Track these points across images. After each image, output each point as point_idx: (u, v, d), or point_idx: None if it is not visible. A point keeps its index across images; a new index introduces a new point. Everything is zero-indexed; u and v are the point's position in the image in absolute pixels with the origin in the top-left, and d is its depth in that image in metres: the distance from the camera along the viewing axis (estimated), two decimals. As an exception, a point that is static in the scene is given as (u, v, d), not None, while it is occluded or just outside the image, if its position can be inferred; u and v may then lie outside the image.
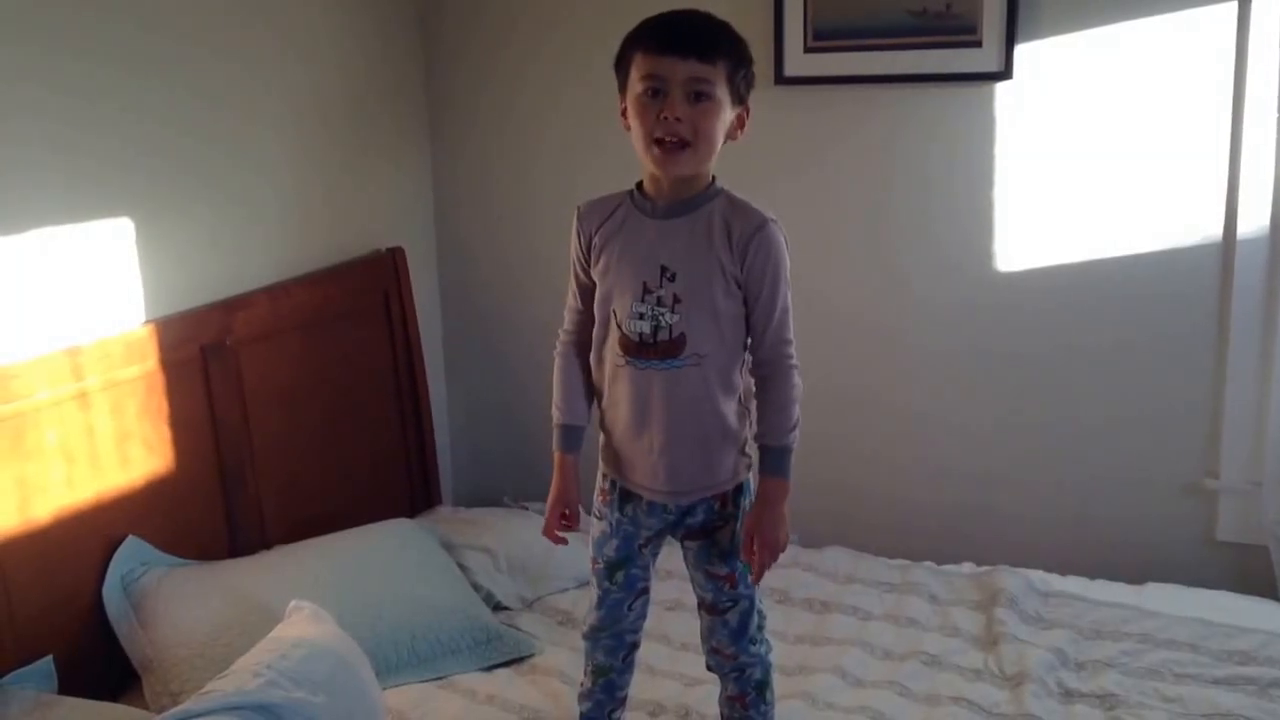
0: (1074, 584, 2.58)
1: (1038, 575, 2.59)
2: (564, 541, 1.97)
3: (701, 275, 1.74)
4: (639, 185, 1.82)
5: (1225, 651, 2.26)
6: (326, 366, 2.74)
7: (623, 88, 1.76)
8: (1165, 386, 2.63)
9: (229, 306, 2.47)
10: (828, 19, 2.67)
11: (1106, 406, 2.68)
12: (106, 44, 2.21)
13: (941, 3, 2.57)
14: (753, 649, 1.91)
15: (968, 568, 2.68)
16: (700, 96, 1.69)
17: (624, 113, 1.77)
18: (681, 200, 1.76)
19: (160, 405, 2.30)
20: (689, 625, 2.36)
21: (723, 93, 1.71)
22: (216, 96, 2.47)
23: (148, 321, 2.31)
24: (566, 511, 1.94)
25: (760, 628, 1.91)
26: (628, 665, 2.01)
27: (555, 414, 1.92)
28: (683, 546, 1.90)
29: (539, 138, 3.06)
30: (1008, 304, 2.72)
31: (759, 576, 1.83)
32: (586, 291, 1.88)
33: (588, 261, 1.84)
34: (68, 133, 2.14)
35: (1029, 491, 2.78)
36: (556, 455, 1.93)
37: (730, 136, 1.76)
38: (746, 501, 1.86)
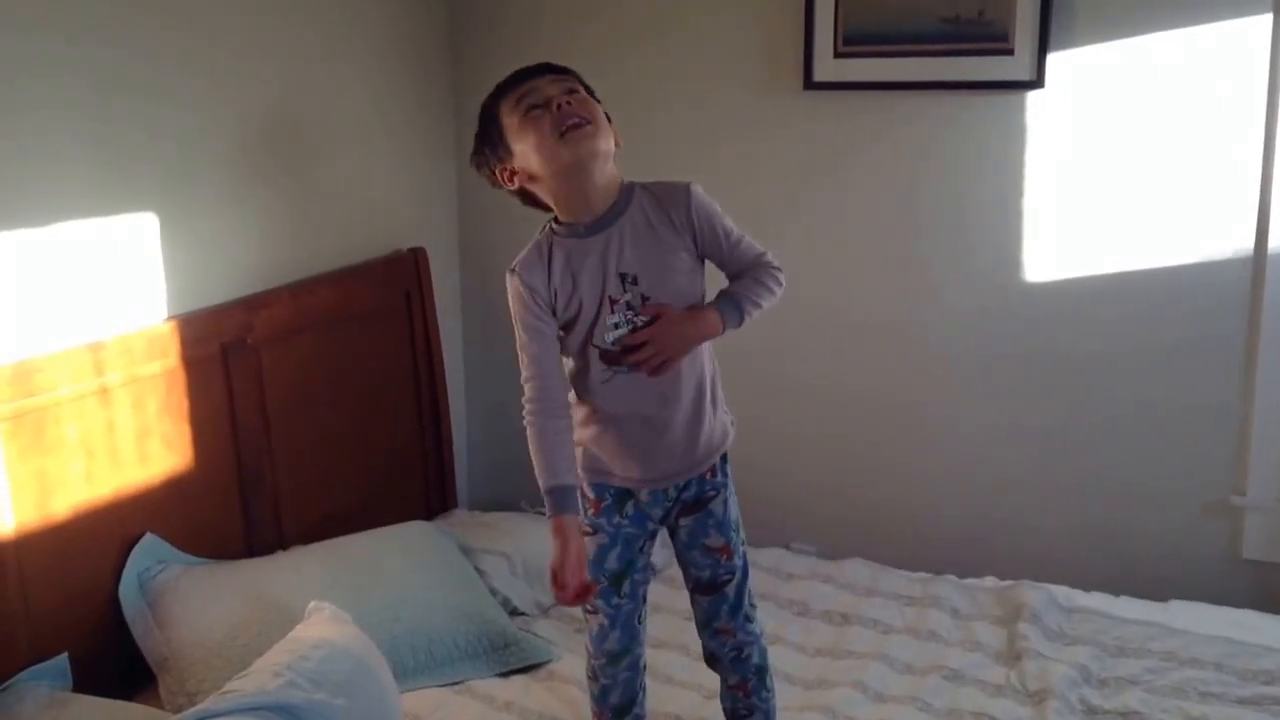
0: (1097, 600, 2.55)
1: (1061, 590, 2.56)
2: (584, 598, 1.78)
3: (658, 267, 1.77)
4: (556, 221, 1.82)
5: (1251, 671, 2.23)
6: (346, 366, 2.73)
7: (495, 152, 1.80)
8: (1193, 401, 2.60)
9: (250, 304, 2.47)
10: (858, 24, 2.65)
11: (1133, 421, 2.65)
12: (132, 38, 2.21)
13: (974, 10, 2.55)
14: (749, 626, 1.93)
15: (990, 582, 2.65)
16: (574, 92, 1.76)
17: (504, 175, 1.81)
18: (607, 210, 1.78)
19: (180, 402, 2.29)
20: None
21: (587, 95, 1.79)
22: (242, 93, 2.47)
23: (170, 318, 2.31)
24: (586, 580, 1.76)
25: (753, 605, 1.95)
26: (643, 687, 1.99)
27: (544, 479, 1.77)
28: (676, 529, 1.90)
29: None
30: (1035, 314, 2.69)
31: (636, 355, 1.75)
32: (549, 344, 1.82)
33: (553, 312, 1.81)
34: (93, 126, 2.14)
35: (1053, 505, 2.75)
36: (554, 521, 1.75)
37: (615, 143, 1.81)
38: (729, 468, 1.90)
